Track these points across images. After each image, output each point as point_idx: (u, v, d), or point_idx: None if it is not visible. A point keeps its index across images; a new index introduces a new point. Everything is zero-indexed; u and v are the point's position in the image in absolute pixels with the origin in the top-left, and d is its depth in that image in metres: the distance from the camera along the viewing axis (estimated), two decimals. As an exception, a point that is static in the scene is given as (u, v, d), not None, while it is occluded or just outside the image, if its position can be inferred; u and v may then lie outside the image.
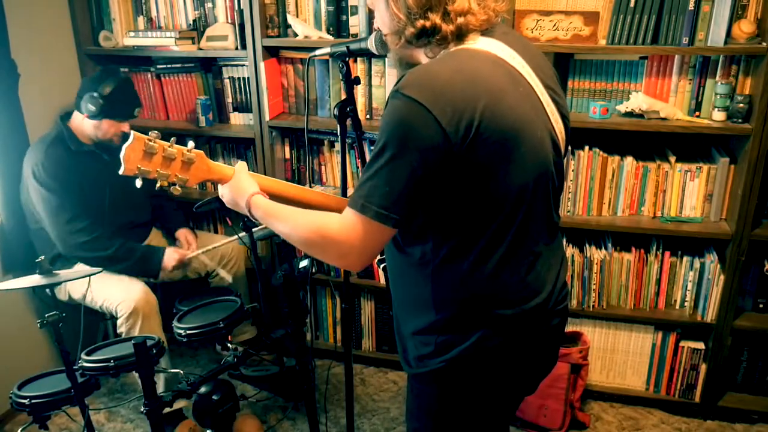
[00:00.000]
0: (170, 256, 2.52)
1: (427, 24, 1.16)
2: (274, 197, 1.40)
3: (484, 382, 1.29)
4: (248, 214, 1.35)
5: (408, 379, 1.41)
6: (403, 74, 1.14)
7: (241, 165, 1.43)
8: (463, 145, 1.09)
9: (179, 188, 1.33)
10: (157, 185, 1.31)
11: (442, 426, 1.36)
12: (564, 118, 1.29)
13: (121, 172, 1.26)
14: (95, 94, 2.38)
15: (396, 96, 1.11)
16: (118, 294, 2.40)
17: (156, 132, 1.27)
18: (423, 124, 1.07)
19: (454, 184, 1.12)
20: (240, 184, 1.38)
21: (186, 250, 2.67)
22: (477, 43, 1.19)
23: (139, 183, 1.28)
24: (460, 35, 1.18)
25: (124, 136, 2.53)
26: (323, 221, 1.20)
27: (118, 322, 2.39)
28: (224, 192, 1.41)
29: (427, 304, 1.26)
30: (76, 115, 2.49)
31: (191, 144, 1.34)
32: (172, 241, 2.80)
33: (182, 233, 2.78)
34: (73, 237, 2.41)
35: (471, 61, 1.16)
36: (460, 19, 1.16)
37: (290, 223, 1.27)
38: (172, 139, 1.31)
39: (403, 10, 1.17)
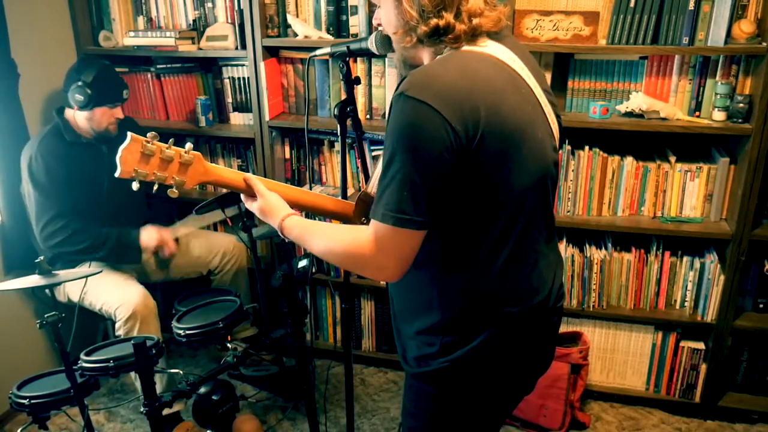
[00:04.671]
0: (149, 235, 2.47)
1: (441, 23, 1.16)
2: (292, 205, 1.40)
3: (487, 381, 1.30)
4: (282, 235, 1.35)
5: (406, 377, 1.41)
6: (404, 77, 1.13)
7: (260, 184, 1.39)
8: (471, 146, 1.09)
9: (176, 191, 1.31)
10: (154, 188, 1.29)
11: (441, 425, 1.36)
12: (557, 117, 1.31)
13: (117, 174, 1.22)
14: (80, 83, 2.37)
15: (401, 99, 1.09)
16: (116, 297, 2.40)
17: (154, 133, 1.23)
18: (433, 125, 1.07)
19: (461, 184, 1.12)
20: (270, 206, 1.37)
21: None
22: (483, 46, 1.19)
23: (135, 186, 1.25)
24: (474, 35, 1.18)
25: (120, 124, 2.52)
26: (354, 238, 1.19)
27: (117, 325, 2.39)
28: (254, 208, 1.41)
29: (432, 305, 1.26)
30: (68, 110, 2.49)
31: (189, 145, 1.31)
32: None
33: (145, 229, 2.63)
34: (50, 238, 2.39)
35: (472, 62, 1.15)
36: (475, 20, 1.16)
37: (324, 242, 1.27)
38: (170, 140, 1.28)
39: (416, 8, 1.16)
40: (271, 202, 1.38)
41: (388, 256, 1.15)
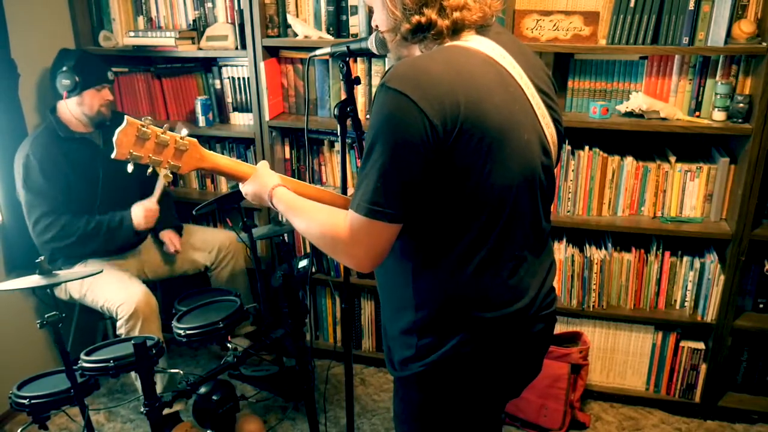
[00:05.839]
0: (137, 213, 2.49)
1: (423, 19, 1.16)
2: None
3: (465, 386, 1.28)
4: (271, 206, 1.37)
5: (394, 382, 1.40)
6: (390, 68, 1.13)
7: (262, 163, 1.45)
8: (448, 140, 1.08)
9: (170, 175, 1.34)
10: (149, 171, 1.31)
11: (428, 429, 1.35)
12: (556, 122, 1.27)
13: (113, 156, 1.26)
14: (64, 69, 2.43)
15: (382, 90, 1.10)
16: (118, 295, 2.40)
17: (149, 118, 1.27)
18: (411, 117, 1.06)
19: (437, 180, 1.11)
20: (263, 178, 1.39)
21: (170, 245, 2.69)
22: (470, 41, 1.18)
23: (130, 168, 1.28)
24: (456, 30, 1.17)
25: (114, 120, 2.53)
26: (332, 223, 1.19)
27: (118, 323, 2.39)
28: (247, 189, 1.41)
29: (409, 303, 1.26)
30: (60, 104, 2.52)
31: (184, 131, 1.34)
32: (159, 243, 2.77)
33: (165, 234, 2.71)
34: (42, 234, 2.42)
35: (460, 57, 1.15)
36: (456, 14, 1.16)
37: (306, 219, 1.28)
38: (165, 125, 1.31)
39: (399, 7, 1.17)
40: (261, 175, 1.39)
41: (359, 246, 1.15)
